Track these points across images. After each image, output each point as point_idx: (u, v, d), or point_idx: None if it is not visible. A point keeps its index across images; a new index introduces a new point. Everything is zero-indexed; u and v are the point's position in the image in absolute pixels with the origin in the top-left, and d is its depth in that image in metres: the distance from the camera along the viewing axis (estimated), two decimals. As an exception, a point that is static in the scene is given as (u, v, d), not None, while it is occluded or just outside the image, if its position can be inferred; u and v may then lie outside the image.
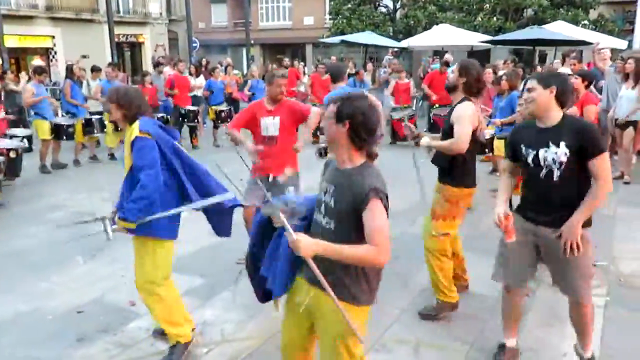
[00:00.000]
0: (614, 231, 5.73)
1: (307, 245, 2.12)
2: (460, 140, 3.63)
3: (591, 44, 13.36)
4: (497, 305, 3.96)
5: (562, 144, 2.83)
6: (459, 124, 3.66)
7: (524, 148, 3.00)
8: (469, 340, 3.63)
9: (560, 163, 2.84)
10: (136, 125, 3.17)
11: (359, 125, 2.21)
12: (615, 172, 7.92)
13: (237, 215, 5.03)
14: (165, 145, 3.19)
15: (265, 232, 2.49)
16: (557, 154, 2.84)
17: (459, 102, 3.79)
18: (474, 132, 3.70)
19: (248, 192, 4.68)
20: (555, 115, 2.91)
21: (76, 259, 3.36)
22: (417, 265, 4.52)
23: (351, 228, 2.21)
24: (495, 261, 3.30)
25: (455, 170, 3.77)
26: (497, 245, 3.28)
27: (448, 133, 3.76)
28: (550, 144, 2.87)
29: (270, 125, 4.61)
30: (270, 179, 4.63)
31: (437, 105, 11.19)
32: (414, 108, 11.92)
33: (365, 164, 2.28)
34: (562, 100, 2.91)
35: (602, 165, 2.79)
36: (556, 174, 2.87)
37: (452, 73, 3.93)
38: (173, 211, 3.16)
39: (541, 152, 2.90)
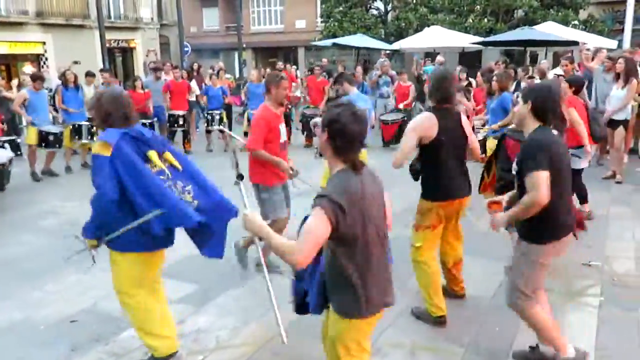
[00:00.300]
0: (607, 231, 5.75)
1: (249, 222, 2.38)
2: (398, 155, 3.67)
3: (582, 43, 13.49)
4: (492, 307, 3.97)
5: (516, 159, 3.03)
6: (403, 135, 3.74)
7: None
8: (465, 342, 3.62)
9: (518, 177, 3.02)
10: (97, 139, 3.14)
11: (336, 133, 2.28)
12: (607, 172, 7.98)
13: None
14: (123, 161, 3.03)
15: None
16: (514, 168, 3.06)
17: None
18: (436, 141, 3.61)
19: (280, 203, 4.66)
20: (529, 129, 3.02)
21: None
22: (412, 268, 4.50)
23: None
24: None
25: (423, 182, 3.83)
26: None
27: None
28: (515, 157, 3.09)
29: (284, 130, 4.65)
30: (291, 185, 4.72)
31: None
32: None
33: (340, 171, 2.33)
34: (539, 114, 2.97)
35: (530, 182, 2.86)
36: (517, 185, 3.07)
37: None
38: (124, 229, 3.06)
39: (513, 165, 3.10)
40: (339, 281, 2.36)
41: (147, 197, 3.03)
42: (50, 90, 10.58)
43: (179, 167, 3.27)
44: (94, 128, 9.34)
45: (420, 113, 3.83)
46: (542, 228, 2.97)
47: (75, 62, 11.98)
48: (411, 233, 3.95)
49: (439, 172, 3.70)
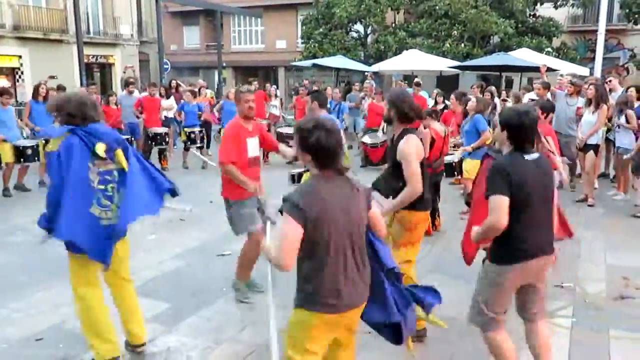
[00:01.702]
0: (579, 253, 5.83)
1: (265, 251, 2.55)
2: (413, 184, 3.61)
3: (554, 70, 13.85)
4: (466, 328, 3.97)
5: None
6: (407, 164, 3.62)
7: None
8: (439, 363, 3.61)
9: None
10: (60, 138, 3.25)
11: (318, 153, 2.43)
12: (579, 195, 8.14)
13: (200, 242, 4.97)
14: (65, 157, 3.20)
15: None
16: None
17: (399, 136, 3.74)
18: (422, 162, 3.69)
19: (250, 218, 4.54)
20: (505, 152, 3.08)
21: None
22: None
23: None
24: None
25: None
26: None
27: (394, 165, 3.73)
28: None
29: (254, 145, 4.56)
30: (262, 200, 4.48)
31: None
32: (384, 131, 12.06)
33: (313, 176, 2.51)
34: (513, 139, 2.99)
35: (489, 206, 2.89)
36: None
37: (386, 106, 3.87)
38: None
39: None
40: (298, 272, 2.51)
41: (72, 195, 3.20)
42: (20, 104, 10.38)
43: (126, 168, 3.36)
44: None
45: (400, 140, 3.72)
46: (502, 250, 3.00)
47: (52, 77, 11.82)
48: (397, 253, 3.74)
49: (425, 186, 3.71)
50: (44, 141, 8.94)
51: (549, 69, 13.79)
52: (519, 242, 2.96)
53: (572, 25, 25.11)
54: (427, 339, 3.91)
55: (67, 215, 3.17)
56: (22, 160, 8.60)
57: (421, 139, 3.81)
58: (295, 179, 5.47)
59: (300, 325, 2.51)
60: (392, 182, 3.81)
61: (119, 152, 3.33)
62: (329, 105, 11.07)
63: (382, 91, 12.73)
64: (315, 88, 13.56)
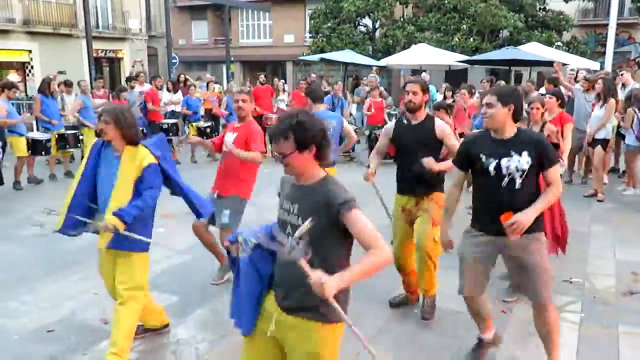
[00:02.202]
0: (588, 248, 5.81)
1: (332, 284, 2.00)
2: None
3: (565, 64, 13.72)
4: (473, 322, 3.97)
5: (525, 153, 3.05)
6: (452, 138, 3.96)
7: (484, 157, 3.14)
8: (446, 358, 3.61)
9: (523, 171, 3.05)
10: (146, 151, 3.38)
11: (322, 144, 2.22)
12: (589, 190, 8.09)
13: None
14: (168, 166, 3.50)
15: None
16: (520, 162, 3.04)
17: (425, 120, 4.02)
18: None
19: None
20: (510, 129, 3.14)
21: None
22: (395, 283, 4.50)
23: (322, 244, 2.19)
24: (459, 272, 3.40)
25: (440, 178, 4.05)
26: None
27: (429, 145, 3.95)
28: (513, 153, 3.07)
29: (229, 141, 4.57)
30: (215, 196, 4.63)
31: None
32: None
33: (326, 176, 2.28)
34: (515, 116, 3.13)
35: (555, 174, 3.08)
36: (518, 181, 3.06)
37: (415, 95, 3.99)
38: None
39: (504, 161, 3.07)
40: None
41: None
42: (30, 98, 10.47)
43: None
44: (82, 136, 9.29)
45: (434, 120, 4.08)
46: (539, 219, 3.13)
47: (61, 72, 11.88)
48: (432, 231, 3.94)
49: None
50: (57, 135, 9.04)
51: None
52: None
53: (582, 19, 24.84)
54: (433, 333, 3.90)
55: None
56: (41, 153, 8.75)
57: None
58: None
59: (336, 340, 2.32)
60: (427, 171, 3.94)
61: None
62: (332, 100, 11.11)
63: (388, 86, 12.69)
64: (324, 84, 13.49)
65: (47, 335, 3.92)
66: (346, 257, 2.29)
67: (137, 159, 3.35)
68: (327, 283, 1.98)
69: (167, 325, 3.93)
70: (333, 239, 2.21)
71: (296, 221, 2.22)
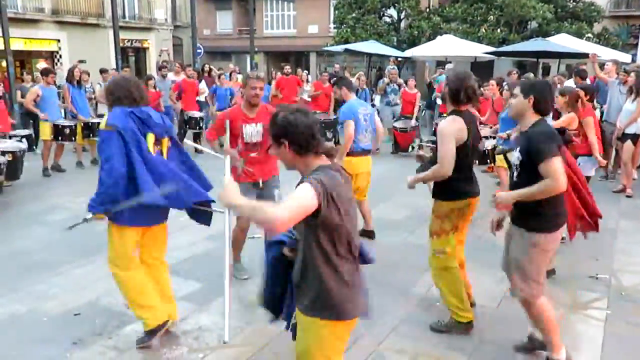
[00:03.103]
0: (616, 244, 5.69)
1: (228, 193, 2.14)
2: (442, 164, 3.52)
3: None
4: (496, 316, 3.94)
5: (518, 149, 3.20)
6: (441, 144, 3.55)
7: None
8: (468, 351, 3.59)
9: (517, 166, 3.20)
10: (105, 117, 3.29)
11: (293, 137, 2.17)
12: (618, 185, 7.92)
13: (234, 219, 5.05)
14: (131, 138, 3.21)
15: (279, 273, 2.47)
16: (515, 157, 3.22)
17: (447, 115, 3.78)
18: (464, 145, 3.56)
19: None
20: (529, 121, 3.16)
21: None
22: (417, 275, 4.49)
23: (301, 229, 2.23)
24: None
25: (441, 184, 3.68)
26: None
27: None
28: (516, 147, 3.25)
29: (254, 132, 4.57)
30: (261, 185, 4.64)
31: (444, 115, 11.20)
32: (417, 118, 11.91)
33: (322, 167, 2.21)
34: (539, 107, 3.14)
35: (547, 169, 2.99)
36: (515, 174, 3.23)
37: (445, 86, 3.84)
38: (132, 202, 3.20)
39: (514, 154, 3.29)
40: (323, 274, 2.19)
41: (156, 174, 3.24)
42: (59, 87, 10.68)
43: (164, 156, 3.49)
44: None
45: (436, 120, 3.84)
46: (552, 216, 3.14)
47: (81, 61, 12.10)
48: (431, 242, 3.81)
49: (461, 173, 3.61)
50: (82, 124, 9.21)
51: (589, 56, 13.41)
52: (561, 207, 3.23)
53: (614, 10, 24.19)
54: (462, 334, 3.85)
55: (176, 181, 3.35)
56: (59, 138, 8.92)
57: (471, 122, 3.65)
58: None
59: (334, 339, 2.31)
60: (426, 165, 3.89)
61: (165, 141, 3.52)
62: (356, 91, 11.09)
63: (414, 77, 12.57)
64: (347, 75, 13.46)
65: (73, 319, 4.01)
66: (328, 242, 2.18)
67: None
68: (222, 193, 2.15)
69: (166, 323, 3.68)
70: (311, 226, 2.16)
71: None
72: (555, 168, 2.97)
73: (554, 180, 2.97)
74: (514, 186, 3.21)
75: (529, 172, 3.07)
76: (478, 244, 5.31)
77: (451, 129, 3.53)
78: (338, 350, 2.36)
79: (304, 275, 2.25)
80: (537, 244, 3.15)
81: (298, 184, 2.16)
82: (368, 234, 5.70)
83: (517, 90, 3.22)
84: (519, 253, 3.24)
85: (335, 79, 5.50)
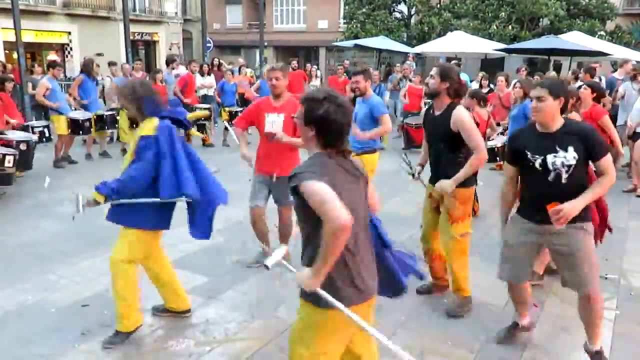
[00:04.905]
0: (625, 244, 5.64)
1: (311, 281, 2.12)
2: (481, 151, 3.68)
3: (607, 54, 13.27)
4: (503, 314, 3.92)
5: (570, 148, 3.00)
6: (470, 133, 3.66)
7: (529, 154, 3.12)
8: (475, 348, 3.58)
9: (569, 166, 3.01)
10: (152, 123, 3.36)
11: (324, 129, 2.19)
12: (629, 185, 7.84)
13: (239, 218, 5.06)
14: (165, 141, 3.36)
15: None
16: (567, 158, 3.00)
17: (447, 109, 3.76)
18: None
19: (254, 193, 4.67)
20: (559, 121, 3.08)
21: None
22: (425, 271, 4.46)
23: (307, 221, 2.19)
24: (500, 260, 3.45)
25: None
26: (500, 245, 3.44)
27: (448, 138, 3.75)
28: (558, 149, 3.03)
29: (275, 121, 4.52)
30: (274, 179, 4.54)
31: None
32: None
33: (316, 154, 2.24)
34: (563, 108, 3.10)
35: (606, 165, 2.99)
36: (564, 176, 3.03)
37: (431, 79, 3.86)
38: (132, 200, 3.35)
39: (549, 158, 3.05)
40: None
41: (186, 178, 3.38)
42: (69, 79, 10.77)
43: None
44: (119, 118, 9.48)
45: (454, 110, 3.82)
46: (586, 207, 3.08)
47: (99, 54, 12.15)
48: (451, 228, 3.88)
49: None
50: (95, 116, 9.26)
51: (601, 54, 13.30)
52: None
53: (628, 8, 23.94)
54: (462, 323, 3.88)
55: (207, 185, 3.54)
56: (80, 132, 9.01)
57: None
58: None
59: (331, 328, 2.28)
60: (453, 155, 3.81)
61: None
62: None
63: (422, 73, 12.50)
64: (341, 69, 13.48)
65: (81, 310, 4.04)
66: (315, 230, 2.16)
67: (139, 130, 3.41)
68: (305, 281, 2.14)
69: (188, 311, 3.89)
70: (310, 216, 2.10)
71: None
72: (610, 162, 2.99)
73: (612, 175, 2.98)
74: (559, 189, 3.03)
75: (580, 172, 3.02)
76: (485, 240, 5.29)
77: (471, 120, 3.73)
78: (329, 346, 2.29)
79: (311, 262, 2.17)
80: (590, 232, 3.14)
81: (292, 177, 2.14)
82: None
83: (542, 92, 3.03)
84: (584, 247, 3.11)
85: (360, 69, 5.36)
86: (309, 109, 2.21)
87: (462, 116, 3.69)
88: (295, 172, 2.14)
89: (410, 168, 4.35)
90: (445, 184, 3.74)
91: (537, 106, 3.03)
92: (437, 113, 3.86)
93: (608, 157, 3.00)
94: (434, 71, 3.87)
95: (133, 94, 3.40)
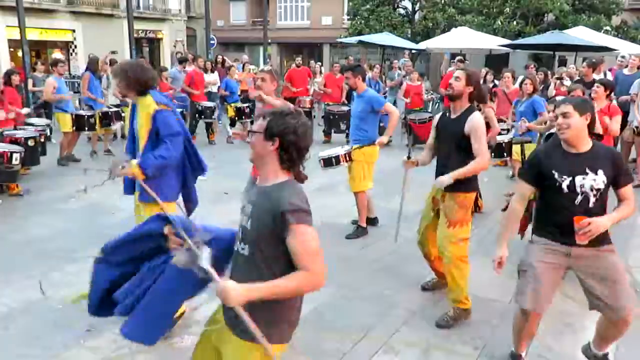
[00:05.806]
0: (631, 240, 5.63)
1: (237, 293, 1.84)
2: (484, 157, 3.71)
3: (612, 50, 13.17)
4: (508, 310, 3.92)
5: (601, 172, 2.90)
6: (480, 138, 3.68)
7: (556, 174, 2.95)
8: (479, 345, 3.58)
9: (598, 190, 2.91)
10: (150, 99, 3.40)
11: (289, 144, 2.04)
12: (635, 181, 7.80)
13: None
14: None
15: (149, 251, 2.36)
16: (596, 181, 2.90)
17: (467, 112, 3.76)
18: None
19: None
20: (587, 141, 2.96)
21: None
22: (429, 268, 4.47)
23: (269, 253, 2.01)
24: (519, 285, 3.18)
25: (468, 177, 3.80)
26: (520, 267, 3.20)
27: (459, 141, 3.75)
28: (588, 171, 2.91)
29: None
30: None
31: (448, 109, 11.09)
32: (430, 111, 11.80)
33: (290, 181, 2.08)
34: (590, 126, 2.96)
35: (630, 192, 2.98)
36: (592, 200, 2.92)
37: (456, 81, 3.78)
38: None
39: (578, 179, 2.91)
40: (267, 307, 1.99)
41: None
42: (74, 77, 10.80)
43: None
44: (124, 113, 9.49)
45: (471, 115, 3.79)
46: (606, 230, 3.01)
47: (114, 52, 12.14)
48: (449, 232, 3.84)
49: None
50: (100, 114, 9.28)
51: (607, 49, 13.20)
52: None
53: (634, 2, 23.77)
54: (468, 320, 3.88)
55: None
56: (86, 129, 9.01)
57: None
58: (332, 162, 5.47)
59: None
60: (461, 158, 3.79)
61: None
62: (369, 83, 11.00)
63: (426, 69, 12.45)
64: (365, 66, 13.36)
65: (87, 307, 4.04)
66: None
67: (145, 106, 3.45)
68: (231, 291, 1.83)
69: (181, 315, 3.78)
70: (275, 249, 2.00)
71: (247, 224, 2.07)
72: (632, 190, 2.99)
73: (633, 201, 2.96)
74: (586, 212, 2.89)
75: (604, 196, 2.94)
76: (489, 237, 5.28)
77: (483, 127, 3.73)
78: None
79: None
80: (617, 253, 3.07)
81: (288, 219, 1.95)
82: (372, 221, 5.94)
83: (568, 108, 2.91)
84: (619, 270, 3.03)
85: (350, 65, 5.46)
86: (274, 122, 2.05)
87: (477, 123, 3.70)
88: (294, 206, 1.96)
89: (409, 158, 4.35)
90: (443, 178, 3.73)
91: (564, 122, 2.90)
92: (453, 116, 3.85)
93: (631, 186, 2.99)
94: (459, 73, 3.81)
95: (129, 71, 3.46)
